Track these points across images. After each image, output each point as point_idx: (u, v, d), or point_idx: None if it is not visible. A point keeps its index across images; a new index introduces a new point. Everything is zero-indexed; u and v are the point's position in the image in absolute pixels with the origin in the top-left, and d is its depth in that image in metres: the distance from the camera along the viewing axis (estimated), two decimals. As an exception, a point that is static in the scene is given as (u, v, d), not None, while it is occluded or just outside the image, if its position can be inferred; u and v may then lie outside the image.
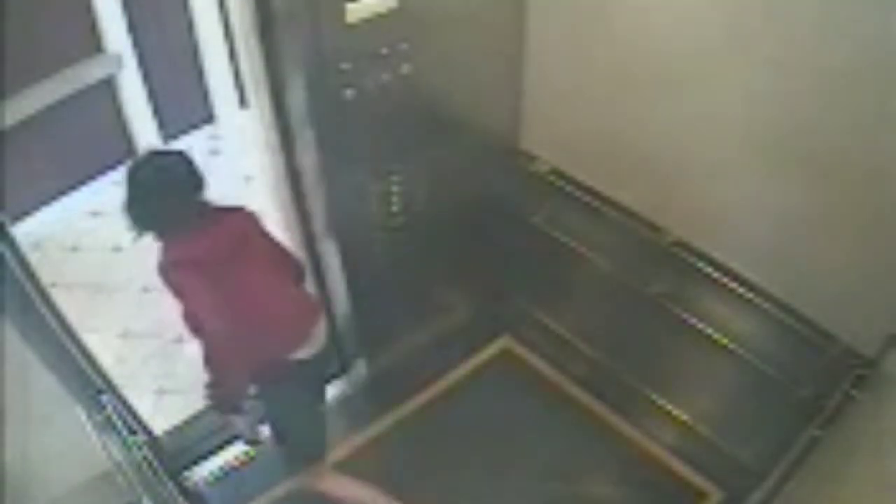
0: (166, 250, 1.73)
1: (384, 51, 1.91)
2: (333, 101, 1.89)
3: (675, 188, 2.05)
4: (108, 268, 3.33)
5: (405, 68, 1.98)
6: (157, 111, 3.71)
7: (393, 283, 2.43)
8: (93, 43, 3.33)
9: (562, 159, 2.36)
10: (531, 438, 2.51)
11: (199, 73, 3.84)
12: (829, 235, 1.74)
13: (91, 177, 3.66)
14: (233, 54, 3.61)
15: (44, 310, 1.58)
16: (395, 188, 2.22)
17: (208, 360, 1.83)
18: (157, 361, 2.88)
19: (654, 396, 2.48)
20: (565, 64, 2.16)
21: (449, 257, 2.52)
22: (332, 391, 2.69)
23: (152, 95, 3.65)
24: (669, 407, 2.45)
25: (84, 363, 1.74)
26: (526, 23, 2.18)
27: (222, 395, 1.89)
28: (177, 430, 2.52)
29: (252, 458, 2.50)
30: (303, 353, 1.94)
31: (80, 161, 3.60)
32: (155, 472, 1.77)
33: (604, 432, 2.53)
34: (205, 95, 3.94)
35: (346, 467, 2.47)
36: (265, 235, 1.93)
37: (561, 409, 2.57)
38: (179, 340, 2.96)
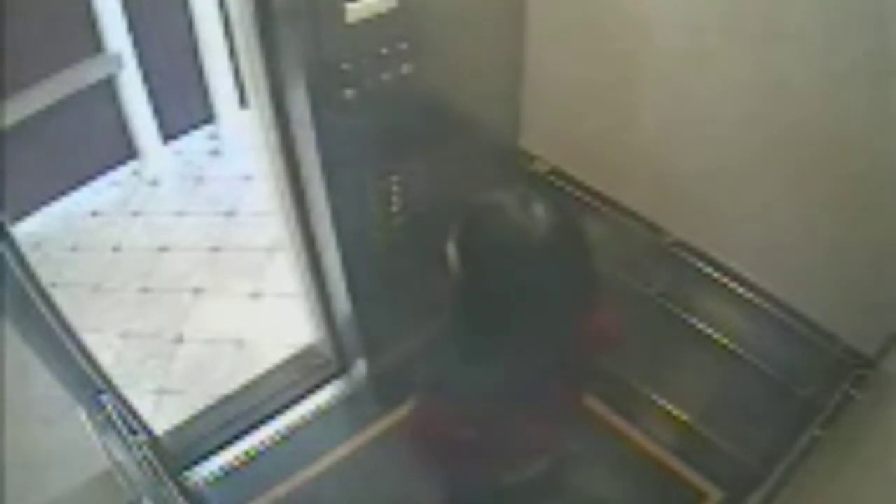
0: None
1: (384, 51, 1.91)
2: (333, 101, 1.89)
3: (675, 188, 2.05)
4: (108, 268, 3.33)
5: (405, 68, 1.97)
6: (157, 111, 3.72)
7: (393, 283, 2.43)
8: (93, 43, 3.33)
9: (562, 159, 2.36)
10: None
11: (199, 73, 3.85)
12: (829, 234, 1.74)
13: (91, 177, 3.67)
14: (233, 54, 3.62)
15: (44, 310, 1.58)
16: (395, 188, 2.22)
17: None
18: (156, 361, 2.88)
19: (654, 396, 2.48)
20: (565, 64, 2.16)
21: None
22: (332, 391, 2.69)
23: (152, 95, 3.65)
24: (669, 407, 2.45)
25: (84, 363, 1.74)
26: (526, 22, 2.18)
27: None
28: (177, 430, 2.52)
29: (252, 458, 2.50)
30: None
31: (80, 161, 3.60)
32: (155, 472, 1.76)
33: (603, 432, 2.52)
34: (205, 95, 3.94)
35: (347, 466, 2.47)
36: None
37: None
38: (179, 340, 2.97)
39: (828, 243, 1.76)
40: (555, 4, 2.10)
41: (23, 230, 3.34)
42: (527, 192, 1.28)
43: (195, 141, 4.03)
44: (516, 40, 2.23)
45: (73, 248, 3.45)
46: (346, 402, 2.68)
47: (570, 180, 2.35)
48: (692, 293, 2.17)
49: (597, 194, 2.28)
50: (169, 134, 3.88)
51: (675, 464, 2.44)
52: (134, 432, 1.79)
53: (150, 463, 1.75)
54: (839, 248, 1.74)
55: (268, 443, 2.54)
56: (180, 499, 1.90)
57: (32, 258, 1.54)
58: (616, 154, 2.15)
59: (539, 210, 1.25)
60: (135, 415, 2.00)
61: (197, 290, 3.18)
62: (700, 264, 2.09)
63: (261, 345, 2.89)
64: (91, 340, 1.78)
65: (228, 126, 4.04)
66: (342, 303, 2.40)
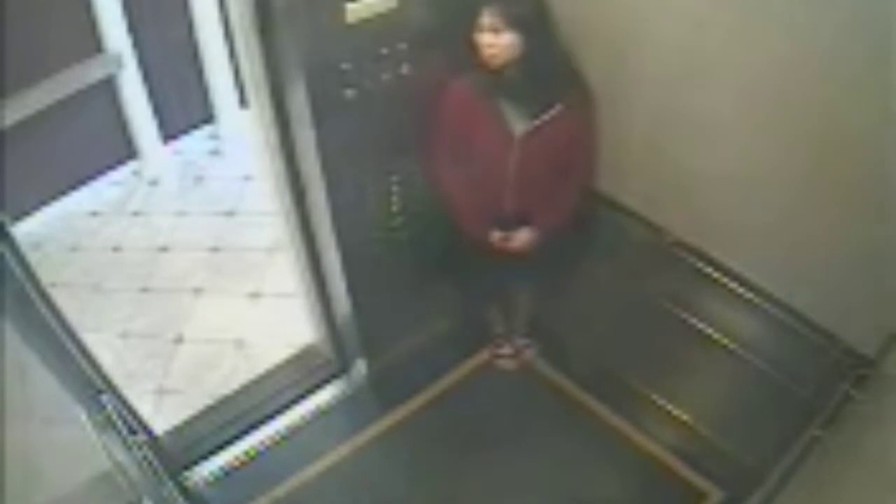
0: None
1: (384, 51, 1.91)
2: (333, 101, 1.89)
3: (675, 188, 2.05)
4: (108, 268, 3.33)
5: (405, 68, 1.98)
6: (157, 111, 3.72)
7: (393, 284, 2.43)
8: (93, 43, 3.33)
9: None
10: (532, 438, 2.51)
11: (199, 73, 3.85)
12: (829, 235, 1.74)
13: (91, 177, 3.67)
14: (233, 54, 3.62)
15: (44, 310, 1.58)
16: (395, 188, 2.22)
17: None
18: (156, 361, 2.88)
19: (654, 396, 2.48)
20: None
21: (448, 257, 2.52)
22: (332, 391, 2.69)
23: (152, 95, 3.65)
24: (669, 407, 2.45)
25: (84, 363, 1.74)
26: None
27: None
28: (177, 430, 2.52)
29: (252, 458, 2.50)
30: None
31: (80, 161, 3.60)
32: (155, 472, 1.76)
33: (604, 432, 2.53)
34: (205, 95, 3.94)
35: (347, 466, 2.47)
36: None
37: (561, 409, 2.57)
38: (179, 340, 2.96)
39: (828, 244, 1.76)
40: (554, 4, 2.09)
41: (23, 230, 3.34)
42: None
43: (195, 141, 4.03)
44: (516, 40, 2.22)
45: (73, 248, 3.45)
46: (346, 402, 2.68)
47: (570, 180, 2.34)
48: (692, 293, 2.17)
49: (596, 194, 2.28)
50: (169, 134, 3.88)
51: (675, 464, 2.44)
52: (134, 432, 1.79)
53: (150, 463, 1.75)
54: (839, 249, 1.74)
55: (268, 443, 2.54)
56: (180, 499, 1.90)
57: (32, 258, 1.54)
58: (615, 154, 2.15)
59: None
60: (135, 415, 2.00)
61: (197, 290, 3.18)
62: (700, 264, 2.09)
63: (261, 345, 2.89)
64: (91, 340, 1.78)
65: (228, 126, 4.04)
66: (342, 303, 2.40)
